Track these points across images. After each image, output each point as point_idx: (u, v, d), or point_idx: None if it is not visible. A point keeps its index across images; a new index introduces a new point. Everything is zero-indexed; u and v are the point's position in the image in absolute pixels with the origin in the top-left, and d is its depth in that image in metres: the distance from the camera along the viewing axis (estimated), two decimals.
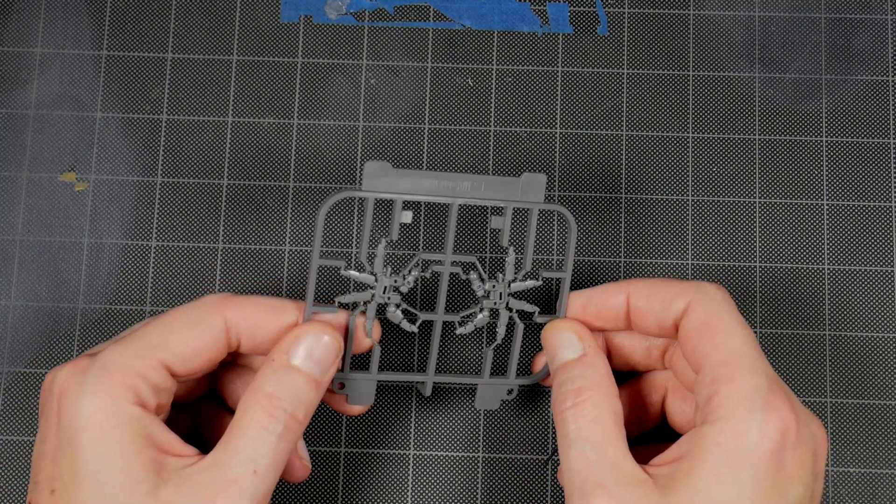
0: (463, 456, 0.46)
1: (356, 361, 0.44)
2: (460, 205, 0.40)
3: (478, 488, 0.46)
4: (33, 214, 0.48)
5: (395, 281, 0.40)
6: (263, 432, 0.36)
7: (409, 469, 0.46)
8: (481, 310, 0.42)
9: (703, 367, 0.36)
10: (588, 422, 0.36)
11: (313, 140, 0.49)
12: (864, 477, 0.46)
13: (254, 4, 0.50)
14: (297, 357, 0.37)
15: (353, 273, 0.40)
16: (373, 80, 0.50)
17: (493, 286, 0.41)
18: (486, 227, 0.48)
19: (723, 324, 0.37)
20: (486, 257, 0.48)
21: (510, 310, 0.41)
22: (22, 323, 0.47)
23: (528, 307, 0.42)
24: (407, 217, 0.39)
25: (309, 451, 0.46)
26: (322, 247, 0.48)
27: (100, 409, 0.35)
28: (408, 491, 0.46)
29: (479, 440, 0.47)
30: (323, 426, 0.47)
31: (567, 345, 0.39)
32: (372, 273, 0.40)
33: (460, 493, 0.46)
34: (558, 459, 0.46)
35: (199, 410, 0.42)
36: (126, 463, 0.34)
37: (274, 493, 0.46)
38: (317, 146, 0.49)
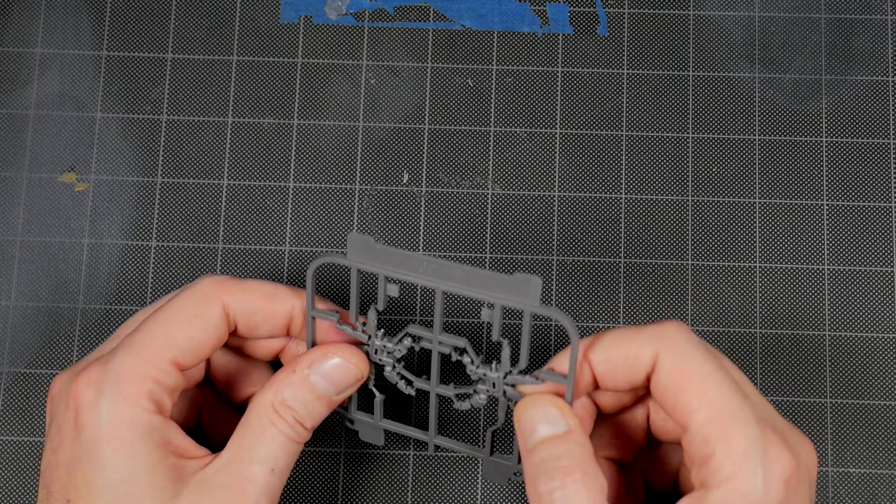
0: (463, 456, 0.46)
1: (367, 402, 0.43)
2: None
3: (477, 488, 0.46)
4: (33, 214, 0.48)
5: (386, 346, 0.39)
6: (279, 434, 0.37)
7: (409, 469, 0.46)
8: (476, 392, 0.39)
9: (691, 425, 0.35)
10: (584, 502, 0.34)
11: (313, 140, 0.49)
12: (864, 477, 0.46)
13: (254, 5, 0.50)
14: (316, 374, 0.38)
15: (347, 329, 0.39)
16: (373, 81, 0.50)
17: (486, 374, 0.38)
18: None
19: (698, 374, 0.35)
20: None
21: (508, 399, 0.39)
22: (22, 323, 0.47)
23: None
24: (393, 291, 0.38)
25: (309, 451, 0.46)
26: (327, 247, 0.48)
27: (121, 422, 0.35)
28: (408, 491, 0.46)
29: (478, 439, 0.46)
30: (323, 426, 0.46)
31: (550, 419, 0.36)
32: (364, 332, 0.40)
33: (460, 493, 0.46)
34: None
35: (204, 402, 0.42)
36: (150, 473, 0.35)
37: None
38: (317, 146, 0.49)
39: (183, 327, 0.37)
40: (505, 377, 0.38)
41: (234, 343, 0.41)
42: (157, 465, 0.35)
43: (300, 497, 0.46)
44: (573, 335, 0.36)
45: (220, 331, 0.38)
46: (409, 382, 0.41)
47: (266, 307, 0.39)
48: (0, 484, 0.46)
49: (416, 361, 0.47)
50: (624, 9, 0.50)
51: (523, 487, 0.46)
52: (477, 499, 0.46)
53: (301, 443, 0.38)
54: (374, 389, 0.41)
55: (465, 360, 0.39)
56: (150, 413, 0.36)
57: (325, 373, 0.38)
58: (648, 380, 0.37)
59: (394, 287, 0.38)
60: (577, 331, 0.36)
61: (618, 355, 0.37)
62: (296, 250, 0.48)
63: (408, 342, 0.39)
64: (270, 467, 0.36)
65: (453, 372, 0.43)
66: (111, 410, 0.35)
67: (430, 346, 0.39)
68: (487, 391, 0.39)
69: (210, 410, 0.42)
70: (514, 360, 0.38)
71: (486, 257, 0.48)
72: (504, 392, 0.39)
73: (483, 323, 0.47)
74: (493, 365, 0.39)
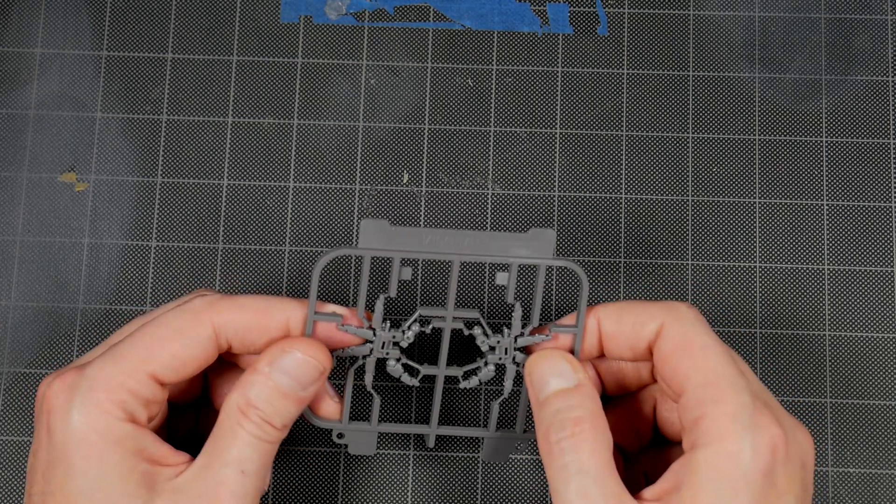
0: (463, 456, 0.46)
1: (358, 411, 0.43)
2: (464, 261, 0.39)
3: (478, 488, 0.46)
4: (33, 214, 0.48)
5: (395, 336, 0.39)
6: (246, 435, 0.36)
7: (409, 469, 0.46)
8: (486, 364, 0.40)
9: (686, 389, 0.36)
10: (588, 453, 0.36)
11: (313, 140, 0.49)
12: (864, 477, 0.46)
13: (254, 4, 0.50)
14: (277, 371, 0.37)
15: (351, 328, 0.39)
16: (373, 80, 0.50)
17: (499, 341, 0.40)
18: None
19: (699, 343, 0.37)
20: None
21: (517, 364, 0.40)
22: (22, 323, 0.47)
23: None
24: (406, 274, 0.38)
25: (309, 451, 0.46)
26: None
27: (91, 428, 0.35)
28: (408, 491, 0.46)
29: (478, 440, 0.47)
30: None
31: (561, 373, 0.38)
32: (370, 328, 0.39)
33: (460, 493, 0.46)
34: None
35: (200, 413, 0.42)
36: (120, 480, 0.35)
37: (274, 492, 0.46)
38: (317, 146, 0.49)
39: (166, 343, 0.37)
40: (516, 339, 0.40)
41: (232, 360, 0.41)
42: (129, 472, 0.35)
43: (300, 497, 0.46)
44: (584, 283, 0.38)
45: (207, 351, 0.38)
46: (414, 373, 0.41)
47: (259, 323, 0.38)
48: (0, 484, 0.46)
49: (417, 352, 0.47)
50: (624, 9, 0.50)
51: (525, 486, 0.46)
52: (477, 499, 0.46)
53: (273, 442, 0.37)
54: (372, 392, 0.41)
55: (476, 331, 0.40)
56: (121, 421, 0.35)
57: (286, 369, 0.37)
58: (650, 353, 0.38)
59: (407, 270, 0.39)
60: (588, 279, 0.38)
61: (627, 319, 0.38)
62: (296, 250, 0.48)
63: (416, 328, 0.39)
64: (241, 469, 0.36)
65: (456, 354, 0.44)
66: (81, 417, 0.35)
67: (442, 325, 0.40)
68: (499, 358, 0.40)
69: (206, 416, 0.42)
70: (525, 323, 0.40)
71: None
72: (514, 358, 0.40)
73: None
74: (504, 331, 0.40)
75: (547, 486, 0.46)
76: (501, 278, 0.39)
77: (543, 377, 0.38)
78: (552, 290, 0.48)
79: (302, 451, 0.46)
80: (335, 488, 0.46)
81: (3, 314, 0.47)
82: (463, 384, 0.41)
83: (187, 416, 0.42)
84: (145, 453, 0.36)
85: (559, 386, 0.38)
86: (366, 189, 0.49)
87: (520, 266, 0.41)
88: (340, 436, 0.41)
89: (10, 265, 0.48)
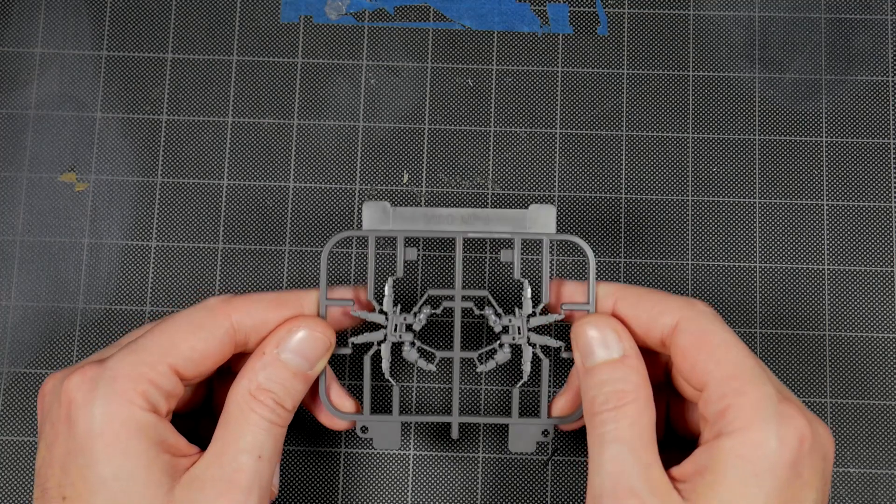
0: (463, 456, 0.46)
1: (380, 403, 0.43)
2: (467, 239, 0.39)
3: (478, 488, 0.46)
4: (33, 214, 0.48)
5: (406, 319, 0.40)
6: (260, 420, 0.37)
7: (409, 469, 0.46)
8: (501, 346, 0.40)
9: (708, 383, 0.36)
10: (628, 425, 0.36)
11: (313, 140, 0.49)
12: (864, 477, 0.46)
13: (254, 4, 0.50)
14: (285, 351, 0.38)
15: (363, 313, 0.40)
16: (373, 80, 0.50)
17: (510, 321, 0.40)
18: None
19: (718, 339, 0.37)
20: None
21: (532, 345, 0.40)
22: (22, 323, 0.47)
23: (553, 342, 0.40)
24: (411, 254, 0.39)
25: (309, 450, 0.46)
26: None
27: (115, 418, 0.35)
28: (408, 491, 0.46)
29: (479, 440, 0.47)
30: (323, 426, 0.46)
31: (607, 343, 0.38)
32: (382, 311, 0.40)
33: (460, 493, 0.46)
34: (559, 459, 0.46)
35: (200, 423, 0.42)
36: (144, 470, 0.35)
37: None
38: (317, 146, 0.49)
39: (186, 336, 0.37)
40: (528, 319, 0.40)
41: (239, 367, 0.41)
42: (152, 461, 0.35)
43: (300, 497, 0.46)
44: (590, 258, 0.39)
45: (225, 345, 0.38)
46: (430, 358, 0.41)
47: (275, 315, 0.39)
48: (0, 484, 0.46)
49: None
50: (624, 9, 0.50)
51: (525, 486, 0.46)
52: (477, 499, 0.46)
53: (284, 426, 0.38)
54: (390, 379, 0.41)
55: (488, 311, 0.40)
56: (144, 411, 0.36)
57: (294, 348, 0.38)
58: (660, 345, 0.38)
59: (412, 250, 0.39)
60: (594, 253, 0.39)
61: (645, 306, 0.38)
62: (296, 250, 0.48)
63: (427, 310, 0.40)
64: (258, 454, 0.37)
65: (471, 342, 0.44)
66: (105, 407, 0.35)
67: (451, 305, 0.40)
68: (513, 339, 0.40)
69: (206, 425, 0.42)
70: (535, 302, 0.40)
71: (485, 257, 0.48)
72: (528, 339, 0.40)
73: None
74: (516, 311, 0.40)
75: (546, 486, 0.46)
76: (506, 255, 0.40)
77: (590, 345, 0.38)
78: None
79: (302, 451, 0.46)
80: (335, 488, 0.46)
81: (3, 314, 0.47)
82: (480, 368, 0.41)
83: (184, 426, 0.42)
84: (166, 444, 0.36)
85: (605, 356, 0.38)
86: (366, 189, 0.49)
87: (528, 241, 0.41)
88: (364, 430, 0.41)
89: (10, 265, 0.48)
